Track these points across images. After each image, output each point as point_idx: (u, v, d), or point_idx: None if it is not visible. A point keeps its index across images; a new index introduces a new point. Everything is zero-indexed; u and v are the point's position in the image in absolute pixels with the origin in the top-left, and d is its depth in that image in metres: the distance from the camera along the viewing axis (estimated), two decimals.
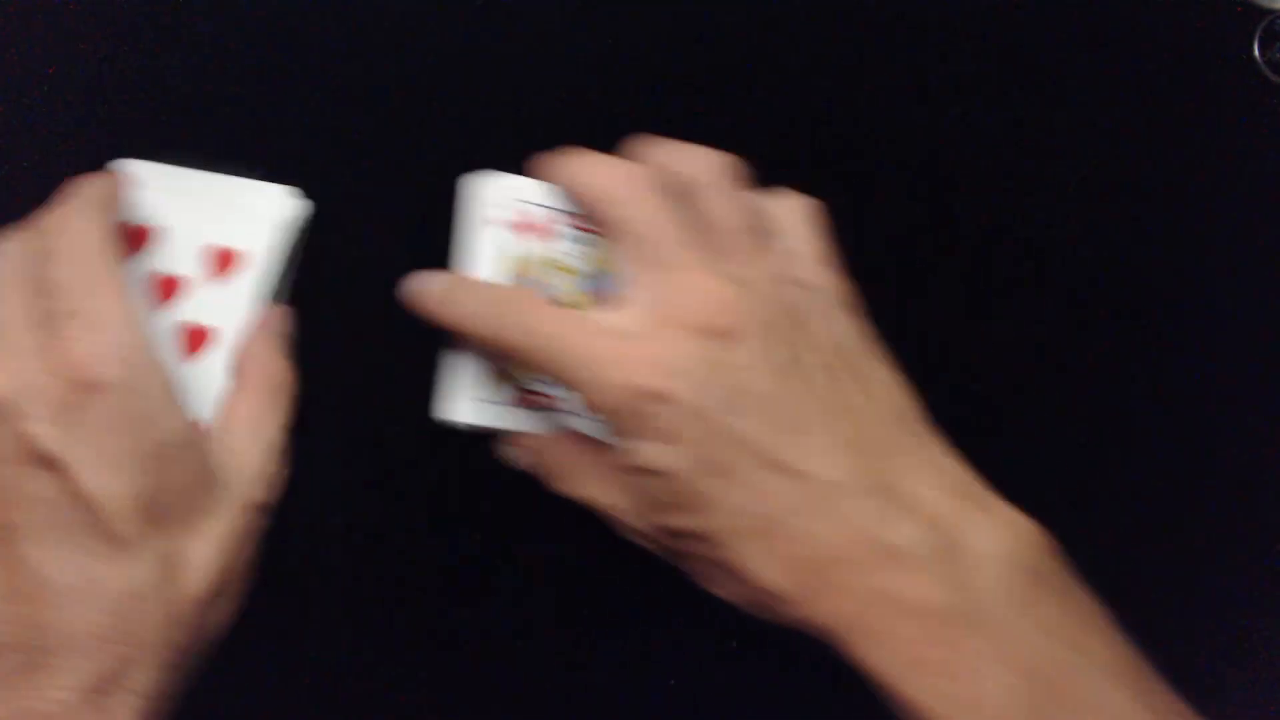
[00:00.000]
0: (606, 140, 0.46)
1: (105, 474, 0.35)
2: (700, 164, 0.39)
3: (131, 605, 0.35)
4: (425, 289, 0.40)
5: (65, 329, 0.35)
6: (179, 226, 0.42)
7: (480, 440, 0.44)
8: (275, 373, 0.41)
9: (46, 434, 0.34)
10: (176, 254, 0.42)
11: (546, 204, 0.42)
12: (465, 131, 0.46)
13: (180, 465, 0.37)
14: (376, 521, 0.45)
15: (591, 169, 0.39)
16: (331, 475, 0.45)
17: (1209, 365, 0.46)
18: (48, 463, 0.34)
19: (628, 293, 0.37)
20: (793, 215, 0.40)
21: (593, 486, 0.39)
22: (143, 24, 0.46)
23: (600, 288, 0.42)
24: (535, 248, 0.42)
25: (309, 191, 0.46)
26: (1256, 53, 0.47)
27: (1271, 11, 0.46)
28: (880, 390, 0.37)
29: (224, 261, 0.42)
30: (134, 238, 0.41)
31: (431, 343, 0.42)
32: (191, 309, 0.41)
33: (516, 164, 0.45)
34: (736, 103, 0.46)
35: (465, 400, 0.42)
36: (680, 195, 0.38)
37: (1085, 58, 0.47)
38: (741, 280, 0.37)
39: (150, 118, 0.46)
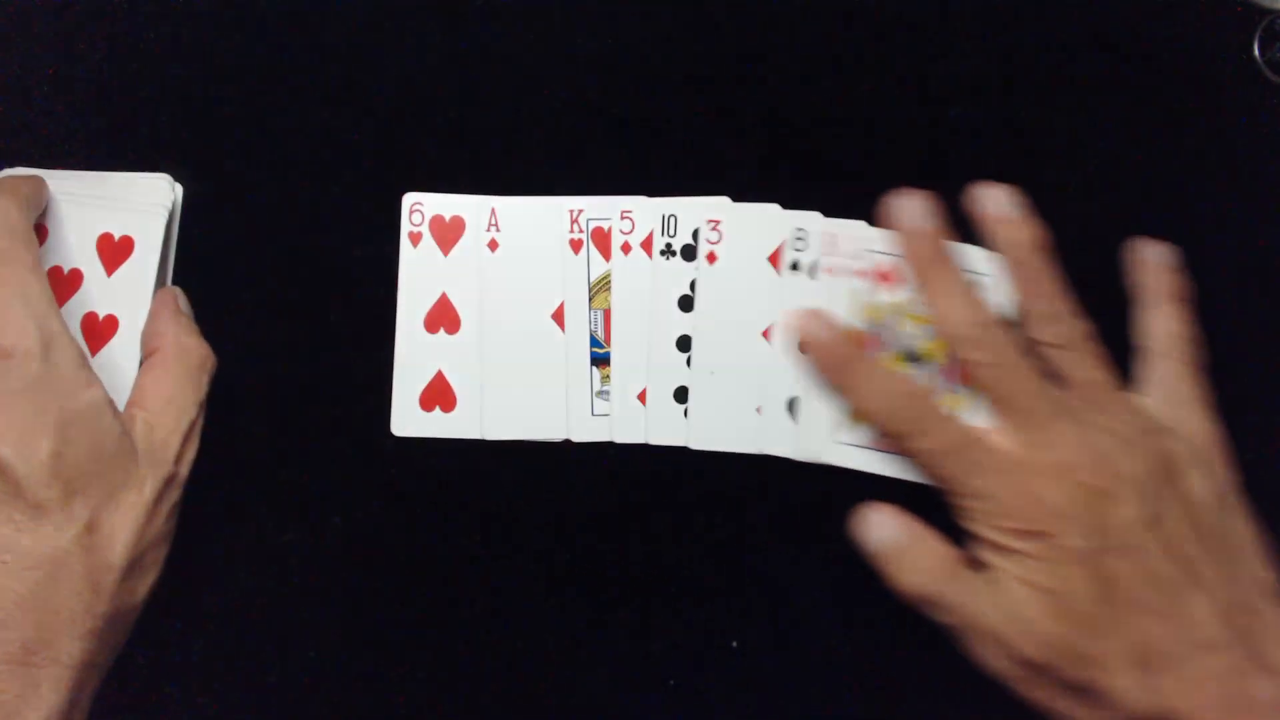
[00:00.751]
0: (605, 140, 0.46)
1: (19, 440, 0.35)
2: (1050, 307, 0.41)
3: (53, 572, 0.35)
4: (822, 343, 0.42)
5: None
6: (70, 224, 0.43)
7: (474, 446, 0.45)
8: (189, 350, 0.42)
9: None
10: (72, 250, 0.43)
11: (893, 252, 0.43)
12: (465, 133, 0.46)
13: (94, 433, 0.37)
14: (377, 522, 0.45)
15: (949, 297, 0.41)
16: (332, 475, 0.45)
17: (1209, 365, 0.46)
18: None
19: (1004, 429, 0.40)
20: (1162, 351, 0.42)
21: (960, 594, 0.40)
22: (143, 24, 0.46)
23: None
24: (884, 294, 0.43)
25: (310, 194, 0.46)
26: (1256, 53, 0.47)
27: (1271, 11, 0.46)
28: (1241, 554, 0.39)
29: (116, 251, 0.43)
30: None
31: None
32: (93, 300, 0.43)
33: (532, 169, 0.45)
34: (736, 103, 0.46)
35: (827, 442, 0.44)
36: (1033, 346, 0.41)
37: (1085, 58, 0.47)
38: (1112, 432, 0.39)
39: (150, 117, 0.46)
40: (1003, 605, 0.39)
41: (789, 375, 0.44)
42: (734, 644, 0.45)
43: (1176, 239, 0.46)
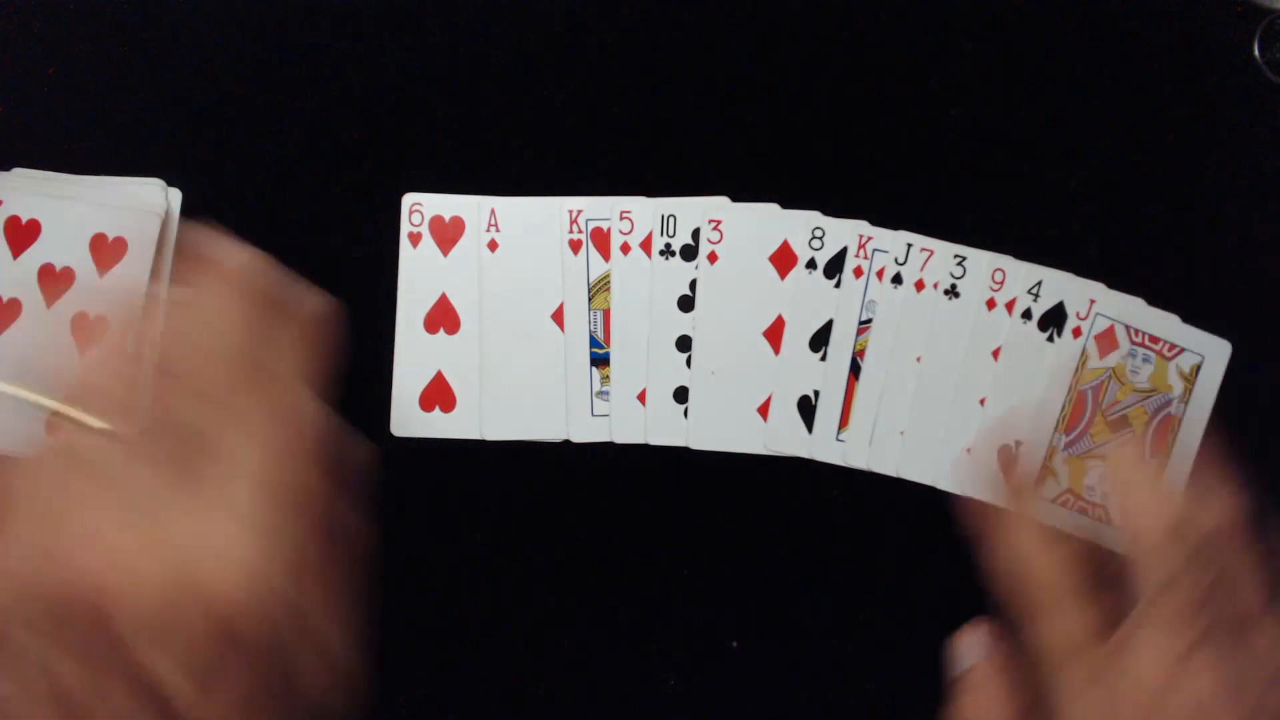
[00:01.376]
0: (604, 140, 0.46)
1: None
2: (1226, 517, 0.37)
3: None
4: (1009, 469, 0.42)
5: None
6: (64, 223, 0.43)
7: (474, 447, 0.44)
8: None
9: None
10: (64, 248, 0.43)
11: (1122, 320, 0.44)
12: (465, 133, 0.46)
13: None
14: (376, 522, 0.45)
15: (1141, 486, 0.37)
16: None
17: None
18: None
19: (1140, 611, 0.37)
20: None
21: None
22: (143, 24, 0.46)
23: (1157, 407, 0.44)
24: (1098, 358, 0.44)
25: (310, 194, 0.46)
26: (1256, 53, 0.46)
27: (1271, 11, 0.46)
28: None
29: (109, 252, 0.43)
30: (25, 234, 0.43)
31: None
32: (84, 300, 0.43)
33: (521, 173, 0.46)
34: (736, 103, 0.46)
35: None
36: (1209, 562, 0.37)
37: (1086, 57, 0.47)
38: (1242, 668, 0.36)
39: (150, 117, 0.46)
40: None
41: (802, 376, 0.45)
42: (734, 644, 0.45)
43: (1177, 239, 0.46)
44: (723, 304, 0.45)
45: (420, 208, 0.45)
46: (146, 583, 0.29)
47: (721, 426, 0.45)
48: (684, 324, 0.45)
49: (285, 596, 0.31)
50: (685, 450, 0.45)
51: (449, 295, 0.45)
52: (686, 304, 0.45)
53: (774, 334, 0.45)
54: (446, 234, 0.45)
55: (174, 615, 0.29)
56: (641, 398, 0.45)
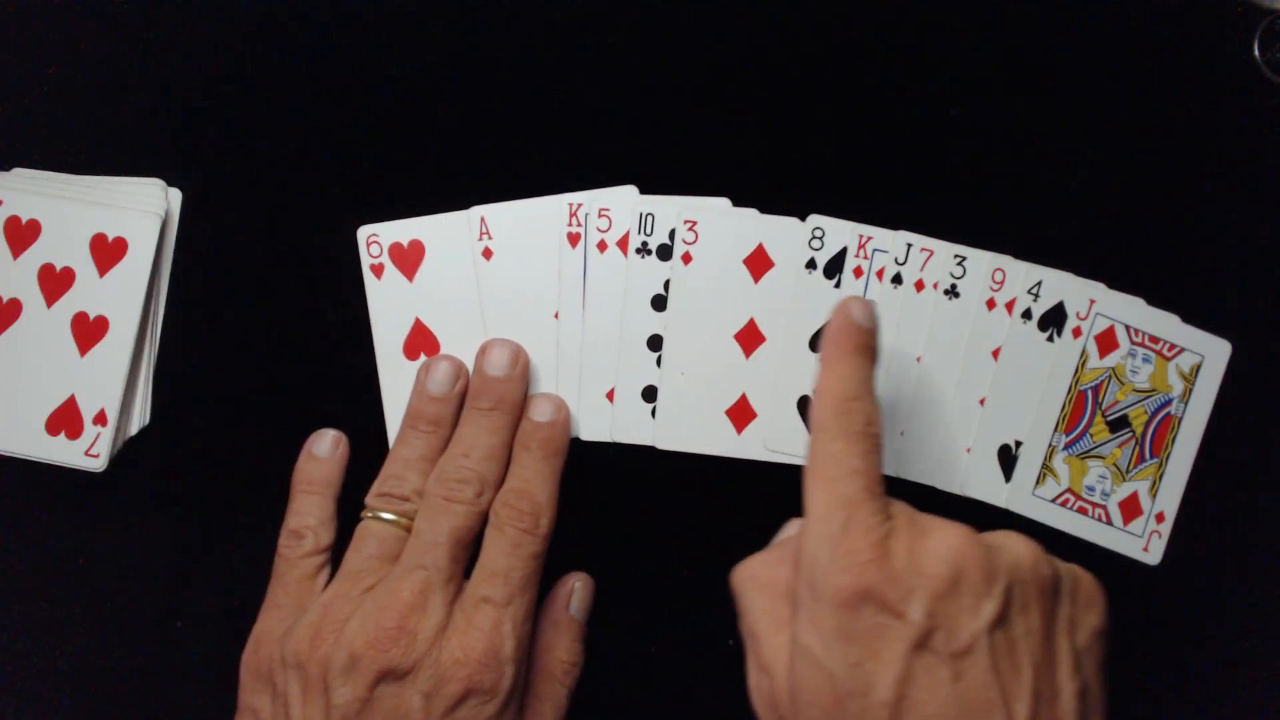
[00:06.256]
0: (603, 140, 0.46)
1: None
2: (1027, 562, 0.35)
3: None
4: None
5: None
6: (64, 223, 0.43)
7: None
8: None
9: None
10: (64, 248, 0.43)
11: (1122, 320, 0.44)
12: (465, 133, 0.46)
13: None
14: None
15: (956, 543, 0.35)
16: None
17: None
18: None
19: None
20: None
21: None
22: (143, 24, 0.46)
23: (1158, 407, 0.44)
24: (1098, 357, 0.44)
25: (310, 195, 0.46)
26: (1256, 53, 0.46)
27: (1272, 11, 0.46)
28: None
29: (109, 253, 0.43)
30: (25, 234, 0.43)
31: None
32: (83, 300, 0.43)
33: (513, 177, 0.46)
34: (735, 103, 0.46)
35: (1026, 495, 0.44)
36: (1007, 610, 0.35)
37: (1086, 58, 0.47)
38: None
39: (150, 118, 0.46)
40: None
41: (802, 376, 0.45)
42: (733, 644, 0.45)
43: (1176, 239, 0.46)
44: (695, 305, 0.44)
45: (378, 239, 0.45)
46: None
47: (689, 427, 0.45)
48: (656, 323, 0.45)
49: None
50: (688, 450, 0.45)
51: (422, 319, 0.45)
52: (659, 303, 0.45)
53: (745, 337, 0.45)
54: (408, 259, 0.45)
55: None
56: (610, 395, 0.45)
